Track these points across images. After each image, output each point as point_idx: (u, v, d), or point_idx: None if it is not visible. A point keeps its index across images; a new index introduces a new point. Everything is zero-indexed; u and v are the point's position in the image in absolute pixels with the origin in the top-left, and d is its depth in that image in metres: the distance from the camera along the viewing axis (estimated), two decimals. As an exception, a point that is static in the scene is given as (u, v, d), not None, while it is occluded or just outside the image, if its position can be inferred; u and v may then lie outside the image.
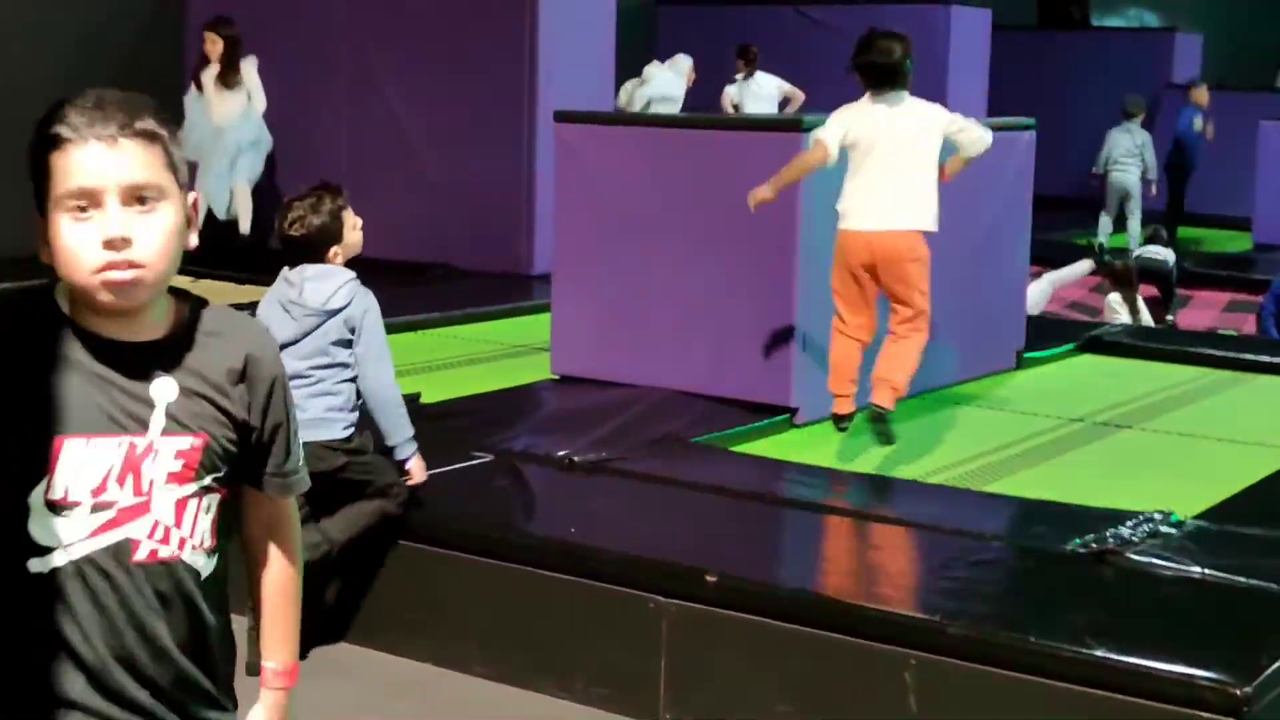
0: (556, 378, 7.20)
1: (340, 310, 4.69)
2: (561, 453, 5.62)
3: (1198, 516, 5.16)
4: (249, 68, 10.10)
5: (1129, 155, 14.24)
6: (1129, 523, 4.90)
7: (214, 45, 10.01)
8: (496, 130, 10.45)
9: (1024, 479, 5.90)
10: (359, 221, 4.94)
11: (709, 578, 4.29)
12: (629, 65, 11.99)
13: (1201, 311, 12.80)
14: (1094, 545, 4.62)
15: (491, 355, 8.08)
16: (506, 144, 10.39)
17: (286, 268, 4.81)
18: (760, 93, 12.77)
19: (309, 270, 4.76)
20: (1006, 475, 5.96)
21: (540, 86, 10.28)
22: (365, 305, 4.76)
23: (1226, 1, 24.23)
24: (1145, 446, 6.59)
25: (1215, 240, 15.87)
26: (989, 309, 7.86)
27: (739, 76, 12.94)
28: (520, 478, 5.34)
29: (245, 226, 10.24)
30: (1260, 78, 20.93)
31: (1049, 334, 8.75)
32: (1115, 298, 10.84)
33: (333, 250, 4.80)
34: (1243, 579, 4.38)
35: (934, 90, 14.23)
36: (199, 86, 10.17)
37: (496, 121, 10.44)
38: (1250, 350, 8.62)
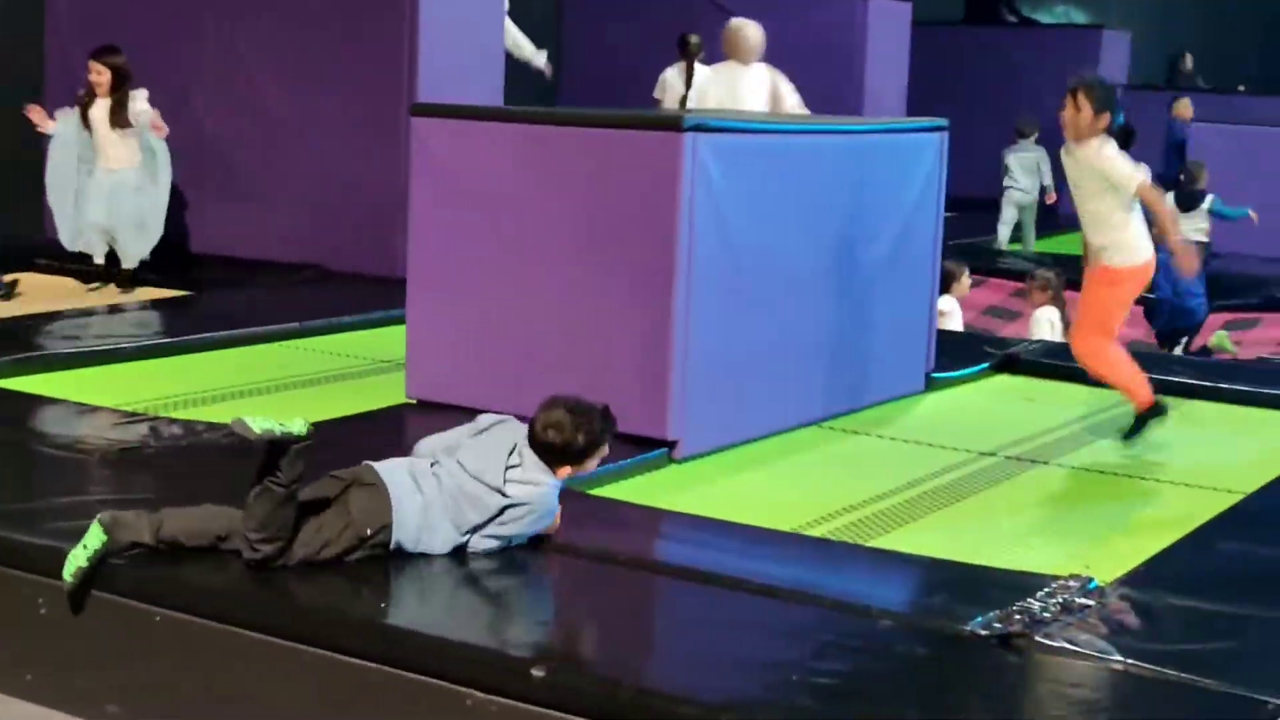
0: (412, 402, 6.44)
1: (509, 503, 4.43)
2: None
3: (1122, 580, 4.48)
4: (140, 103, 9.00)
5: (1025, 173, 13.97)
6: (1040, 593, 4.21)
7: (100, 76, 8.95)
8: (373, 122, 9.67)
9: (924, 528, 5.21)
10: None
11: (535, 672, 3.55)
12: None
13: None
14: (996, 626, 3.92)
15: (349, 372, 7.30)
16: (383, 137, 9.60)
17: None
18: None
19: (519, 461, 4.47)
20: (904, 523, 5.26)
21: (421, 76, 9.50)
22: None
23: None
24: (1063, 487, 5.92)
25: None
26: (895, 326, 7.17)
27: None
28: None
29: (129, 263, 9.17)
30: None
31: (960, 352, 8.06)
32: (1046, 313, 9.99)
33: (566, 470, 4.53)
34: (1173, 671, 3.69)
35: (850, 86, 13.72)
36: (85, 120, 9.06)
37: (373, 113, 9.65)
38: (1186, 372, 7.94)
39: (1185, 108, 15.61)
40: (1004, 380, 7.96)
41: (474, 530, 4.36)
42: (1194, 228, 12.48)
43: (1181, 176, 13.15)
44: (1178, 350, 11.17)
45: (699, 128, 5.73)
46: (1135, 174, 6.01)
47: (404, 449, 5.84)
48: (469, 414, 6.06)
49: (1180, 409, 7.40)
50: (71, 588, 4.17)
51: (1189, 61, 22.06)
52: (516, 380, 6.13)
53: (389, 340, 7.99)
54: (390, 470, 4.39)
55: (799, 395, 6.55)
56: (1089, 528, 5.32)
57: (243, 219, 10.21)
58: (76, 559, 4.15)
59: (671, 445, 5.86)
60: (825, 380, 6.69)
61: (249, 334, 7.83)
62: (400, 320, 7.39)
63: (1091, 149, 6.05)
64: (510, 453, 4.45)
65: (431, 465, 4.46)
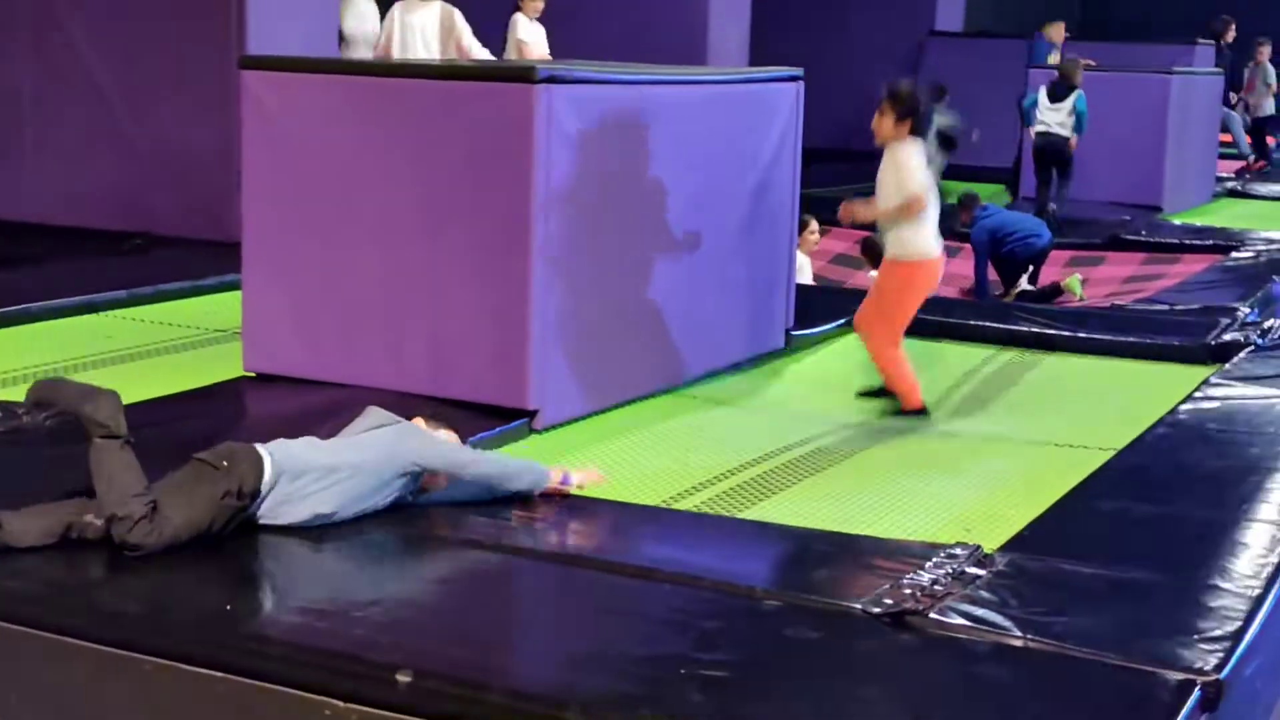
0: (251, 375, 6.05)
1: None
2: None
3: (1008, 547, 4.30)
4: None
5: None
6: (929, 564, 4.01)
7: None
8: (200, 80, 9.17)
9: (796, 496, 4.99)
10: None
11: (401, 677, 3.24)
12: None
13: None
14: (888, 603, 3.70)
15: (181, 343, 6.87)
16: (212, 95, 9.10)
17: None
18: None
19: None
20: (775, 491, 5.04)
21: (250, 30, 9.02)
22: None
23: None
24: (935, 450, 5.73)
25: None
26: (754, 283, 6.94)
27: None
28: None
29: None
30: (1019, 25, 20.64)
31: (815, 308, 7.84)
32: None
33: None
34: (1074, 646, 3.50)
35: (693, 37, 13.46)
36: None
37: (200, 70, 9.16)
38: (1043, 322, 7.83)
39: (1057, 31, 15.55)
40: (855, 340, 7.76)
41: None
42: (1057, 121, 12.98)
43: (1058, 72, 13.42)
44: (1023, 281, 11.21)
45: (553, 79, 5.41)
46: (915, 189, 6.13)
47: (244, 428, 5.51)
48: (311, 387, 5.77)
49: (1042, 362, 7.33)
50: None
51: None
52: (360, 348, 5.80)
53: (223, 308, 7.57)
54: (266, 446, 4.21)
55: (659, 358, 6.30)
56: (963, 492, 5.14)
57: (59, 183, 9.65)
58: None
59: (532, 415, 5.57)
60: (685, 341, 6.44)
61: (70, 304, 7.32)
62: (235, 286, 6.95)
63: (897, 152, 6.16)
64: None
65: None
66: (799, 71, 7.16)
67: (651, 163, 6.07)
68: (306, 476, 4.14)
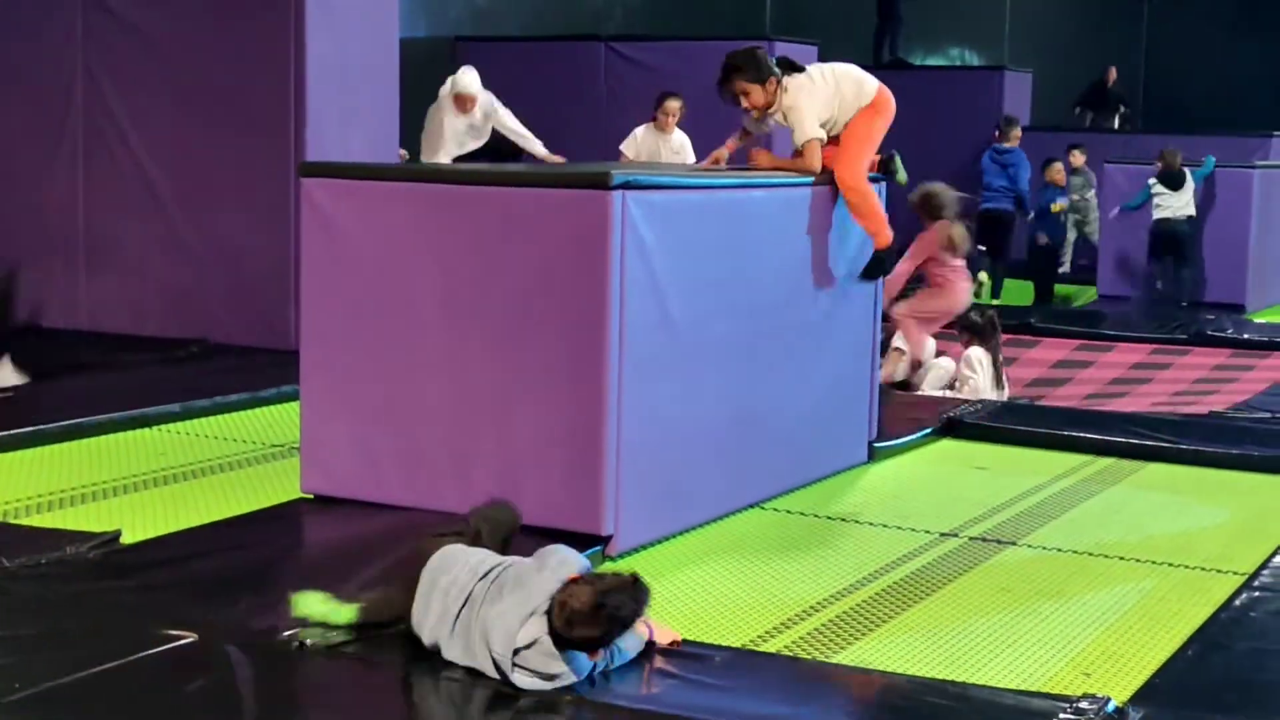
0: (310, 498, 5.73)
1: None
2: (293, 629, 4.15)
3: (1139, 697, 3.89)
4: None
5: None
6: None
7: None
8: (259, 186, 8.97)
9: (895, 633, 4.59)
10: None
11: None
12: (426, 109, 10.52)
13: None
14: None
15: (237, 460, 6.57)
16: (271, 202, 8.91)
17: None
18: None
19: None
20: (872, 627, 4.63)
21: (309, 137, 8.82)
22: None
23: (1043, 40, 23.81)
24: (1036, 572, 5.32)
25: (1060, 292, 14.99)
26: (836, 392, 6.58)
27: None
28: (225, 672, 3.85)
29: None
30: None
31: (895, 415, 7.48)
32: (976, 353, 9.36)
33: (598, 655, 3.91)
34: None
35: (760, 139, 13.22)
36: None
37: (259, 176, 8.96)
38: (1146, 432, 7.41)
39: (1057, 173, 14.62)
40: (947, 445, 7.41)
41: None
42: (1181, 204, 13.09)
43: (1163, 163, 13.45)
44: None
45: (629, 185, 5.10)
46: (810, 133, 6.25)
47: (301, 556, 5.19)
48: (371, 511, 5.45)
49: (1142, 471, 6.93)
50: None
51: (1113, 74, 21.72)
52: (427, 471, 5.47)
53: (282, 420, 7.30)
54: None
55: (739, 475, 5.94)
56: (1076, 626, 4.71)
57: (117, 291, 9.44)
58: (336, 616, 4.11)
59: (606, 541, 5.21)
60: (767, 457, 6.09)
61: (122, 418, 7.03)
62: (294, 397, 6.67)
63: (786, 108, 6.27)
64: (524, 620, 3.82)
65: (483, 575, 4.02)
66: (878, 174, 6.84)
67: (730, 270, 5.75)
68: None
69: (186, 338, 9.04)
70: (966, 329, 9.33)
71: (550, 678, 3.78)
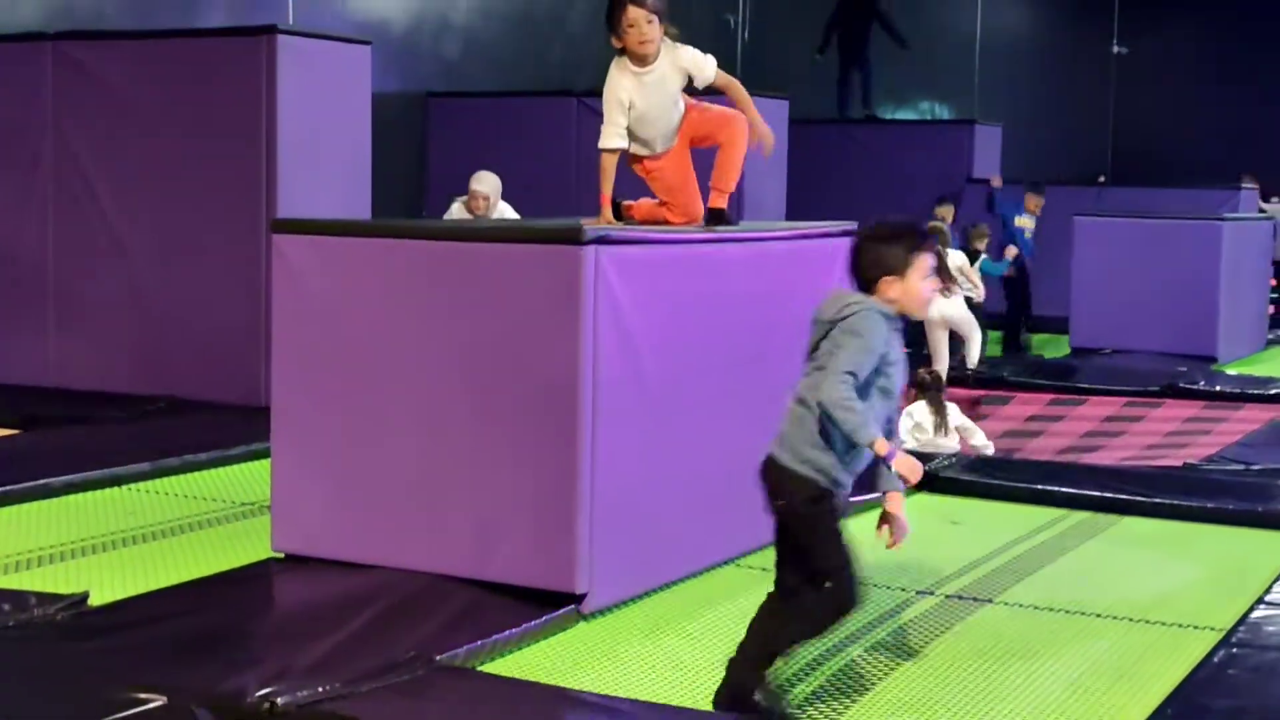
0: (281, 557, 5.66)
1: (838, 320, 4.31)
2: (264, 690, 4.09)
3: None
4: None
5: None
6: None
7: None
8: (230, 242, 8.93)
9: (886, 695, 4.55)
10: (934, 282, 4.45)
11: None
12: (402, 162, 10.51)
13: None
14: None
15: (208, 519, 6.50)
16: (241, 258, 8.87)
17: None
18: None
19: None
20: (863, 690, 4.59)
21: (280, 194, 8.79)
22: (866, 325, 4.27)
23: (1013, 93, 23.97)
24: (1018, 631, 5.28)
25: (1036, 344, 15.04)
26: (812, 449, 6.54)
27: None
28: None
29: None
30: (1050, 171, 20.47)
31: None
32: (919, 408, 9.54)
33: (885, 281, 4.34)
34: None
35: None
36: None
37: (230, 232, 8.92)
38: (1119, 485, 7.40)
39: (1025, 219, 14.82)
40: (923, 500, 7.37)
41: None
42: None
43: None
44: None
45: (602, 239, 5.08)
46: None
47: (273, 616, 5.12)
48: (343, 571, 5.38)
49: (1115, 526, 6.91)
50: None
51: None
52: (397, 527, 5.41)
53: (252, 478, 7.23)
54: None
55: (715, 532, 5.90)
56: (1054, 687, 4.66)
57: (84, 347, 9.37)
58: None
59: (580, 599, 5.16)
60: (740, 512, 6.02)
61: (93, 478, 6.96)
62: (264, 455, 6.60)
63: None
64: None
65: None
66: (853, 225, 6.83)
67: (705, 325, 5.73)
68: None
69: (155, 394, 8.97)
70: (913, 385, 9.53)
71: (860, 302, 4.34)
